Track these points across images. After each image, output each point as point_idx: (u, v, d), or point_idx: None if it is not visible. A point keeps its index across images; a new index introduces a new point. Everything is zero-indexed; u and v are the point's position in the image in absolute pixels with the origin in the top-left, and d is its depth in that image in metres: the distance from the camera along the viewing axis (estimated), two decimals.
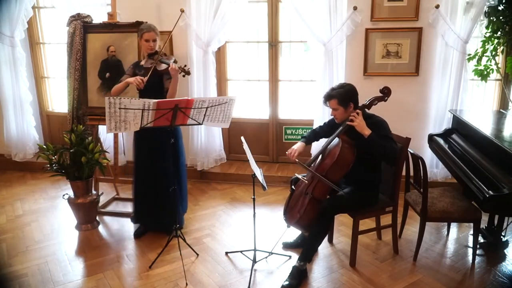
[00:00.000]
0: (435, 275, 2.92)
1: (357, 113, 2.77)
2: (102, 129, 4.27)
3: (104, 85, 3.97)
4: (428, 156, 4.07)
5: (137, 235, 3.50)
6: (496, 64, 3.94)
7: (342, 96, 2.80)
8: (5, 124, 5.00)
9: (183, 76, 3.18)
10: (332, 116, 2.94)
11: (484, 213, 3.06)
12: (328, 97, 2.85)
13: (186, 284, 2.85)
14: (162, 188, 3.33)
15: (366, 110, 2.89)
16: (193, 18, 4.28)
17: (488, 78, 3.95)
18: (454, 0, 3.84)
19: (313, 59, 4.56)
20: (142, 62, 3.36)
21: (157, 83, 3.29)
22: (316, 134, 3.18)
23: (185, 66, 3.16)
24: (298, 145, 3.06)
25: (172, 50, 4.54)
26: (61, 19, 4.37)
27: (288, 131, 4.77)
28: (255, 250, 3.04)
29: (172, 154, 3.27)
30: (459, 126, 3.49)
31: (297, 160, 2.95)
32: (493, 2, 3.78)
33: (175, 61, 3.24)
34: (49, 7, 4.98)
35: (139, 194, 3.49)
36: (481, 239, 3.22)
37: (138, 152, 3.43)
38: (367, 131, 2.72)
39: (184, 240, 3.25)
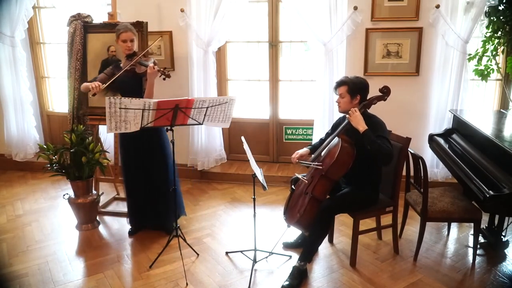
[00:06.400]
0: (435, 275, 2.92)
1: (355, 110, 2.80)
2: (102, 129, 4.27)
3: None
4: (429, 156, 4.07)
5: (131, 233, 3.52)
6: (497, 64, 3.94)
7: (354, 85, 2.85)
8: (5, 124, 5.00)
9: (163, 79, 3.09)
10: (333, 122, 2.96)
11: (484, 213, 3.07)
12: (341, 83, 2.89)
13: (187, 284, 2.85)
14: (152, 188, 3.34)
15: (367, 109, 2.89)
16: (193, 18, 4.28)
17: (488, 78, 3.96)
18: (455, 0, 3.84)
19: (314, 59, 4.56)
20: (122, 64, 3.29)
21: (135, 85, 3.24)
22: (322, 142, 3.17)
23: (165, 68, 3.11)
24: (303, 150, 3.10)
25: (173, 50, 4.54)
26: (61, 19, 4.37)
27: (289, 131, 4.77)
28: (255, 250, 3.04)
29: (159, 155, 3.29)
30: (460, 126, 3.49)
31: (297, 161, 3.01)
32: (493, 2, 3.78)
33: (154, 63, 3.15)
34: (50, 7, 4.98)
35: (131, 195, 3.47)
36: (481, 239, 3.22)
37: (124, 153, 3.40)
38: (361, 127, 2.73)
39: (185, 240, 3.25)
